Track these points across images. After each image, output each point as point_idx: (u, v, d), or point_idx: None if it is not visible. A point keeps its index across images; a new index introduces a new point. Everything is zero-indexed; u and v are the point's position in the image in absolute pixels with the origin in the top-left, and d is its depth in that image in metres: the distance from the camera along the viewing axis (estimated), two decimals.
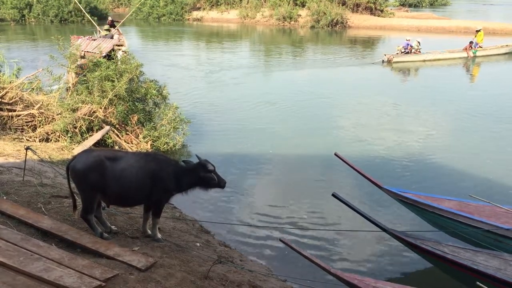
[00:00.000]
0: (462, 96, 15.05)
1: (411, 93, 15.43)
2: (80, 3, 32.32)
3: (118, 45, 19.10)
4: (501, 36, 28.28)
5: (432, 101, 14.12)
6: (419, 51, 21.04)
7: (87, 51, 14.75)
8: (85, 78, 10.05)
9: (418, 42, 21.15)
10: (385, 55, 20.46)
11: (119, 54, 16.20)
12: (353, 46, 25.89)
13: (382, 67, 19.74)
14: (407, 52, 20.75)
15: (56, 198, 5.38)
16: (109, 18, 24.63)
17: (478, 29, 22.60)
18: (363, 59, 21.50)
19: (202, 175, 4.66)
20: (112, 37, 18.47)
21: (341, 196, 5.02)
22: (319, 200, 7.61)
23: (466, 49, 21.71)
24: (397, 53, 20.57)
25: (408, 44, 20.84)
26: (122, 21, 22.25)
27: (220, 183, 4.73)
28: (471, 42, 21.76)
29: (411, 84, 17.71)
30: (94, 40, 16.61)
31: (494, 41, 24.51)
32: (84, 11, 22.38)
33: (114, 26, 22.62)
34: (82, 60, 11.79)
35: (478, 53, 21.76)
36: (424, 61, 20.84)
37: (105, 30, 19.00)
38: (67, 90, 10.83)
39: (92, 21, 21.37)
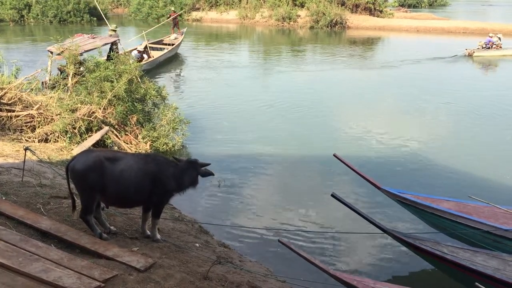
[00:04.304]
0: (494, 92, 15.11)
1: (440, 90, 15.32)
2: (79, 4, 32.33)
3: (170, 44, 19.66)
4: None
5: (454, 98, 14.16)
6: (500, 46, 22.00)
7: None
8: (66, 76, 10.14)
9: (499, 37, 22.20)
10: (466, 49, 21.44)
11: (134, 53, 16.45)
12: (361, 47, 25.88)
13: (465, 61, 20.61)
14: (488, 47, 21.82)
15: (55, 198, 5.37)
16: (172, 9, 25.02)
17: None
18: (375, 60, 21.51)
19: (201, 172, 4.74)
20: (117, 36, 18.54)
21: (340, 197, 5.03)
22: (318, 200, 7.62)
23: None
24: (478, 48, 21.67)
25: (489, 40, 21.91)
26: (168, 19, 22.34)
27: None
28: None
29: (446, 80, 17.33)
30: (94, 38, 16.64)
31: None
32: (102, 13, 22.32)
33: (176, 20, 23.32)
34: (57, 56, 11.79)
35: None
36: (504, 55, 21.67)
37: (111, 30, 19.05)
38: (42, 84, 11.06)
39: (107, 22, 21.40)
